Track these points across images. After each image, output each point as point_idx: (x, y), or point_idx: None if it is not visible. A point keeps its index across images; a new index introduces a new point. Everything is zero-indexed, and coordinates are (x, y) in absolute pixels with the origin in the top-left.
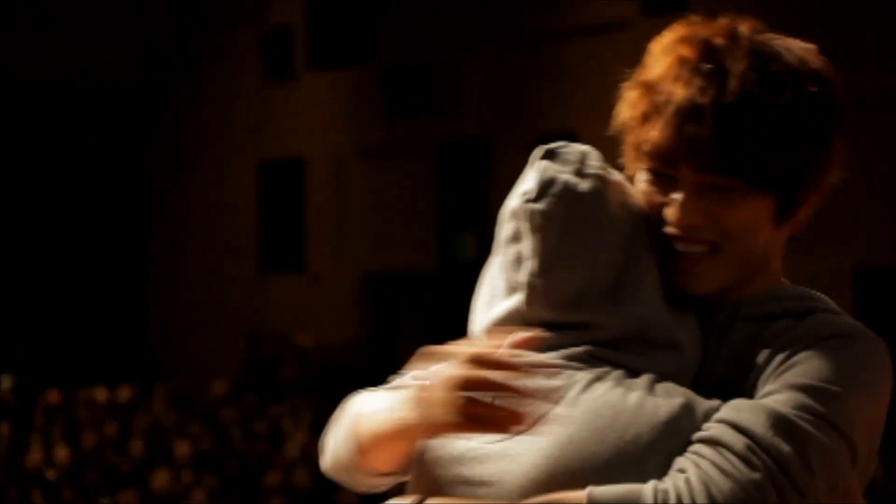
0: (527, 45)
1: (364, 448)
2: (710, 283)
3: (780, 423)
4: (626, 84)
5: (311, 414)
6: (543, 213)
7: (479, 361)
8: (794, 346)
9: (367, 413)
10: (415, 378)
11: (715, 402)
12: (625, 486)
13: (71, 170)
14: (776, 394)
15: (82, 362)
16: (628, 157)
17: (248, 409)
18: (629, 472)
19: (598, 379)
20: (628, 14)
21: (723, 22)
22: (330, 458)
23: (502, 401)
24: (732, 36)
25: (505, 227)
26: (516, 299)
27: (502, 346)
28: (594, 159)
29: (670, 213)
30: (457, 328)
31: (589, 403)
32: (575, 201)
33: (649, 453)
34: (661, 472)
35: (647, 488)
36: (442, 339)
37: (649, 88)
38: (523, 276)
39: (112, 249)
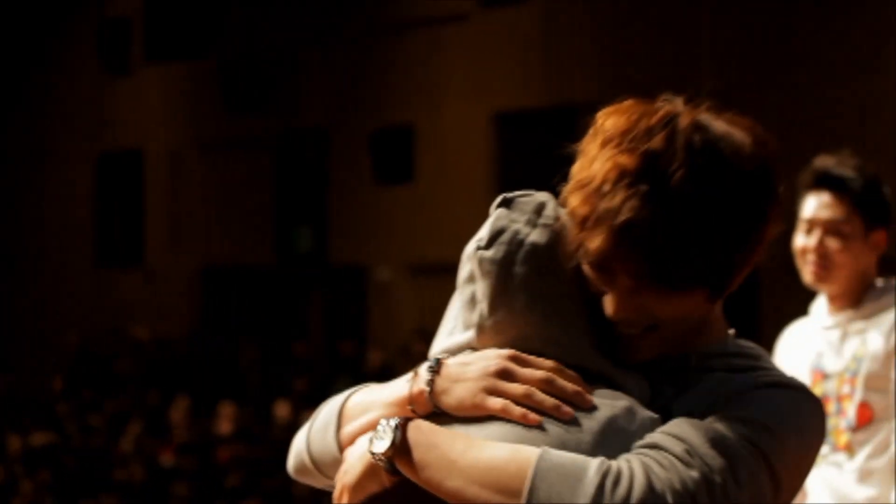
0: (365, 37)
1: (351, 431)
2: (647, 354)
3: (715, 438)
4: (567, 185)
5: (146, 408)
6: (491, 261)
7: (516, 359)
8: (733, 391)
9: (364, 396)
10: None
11: (655, 415)
12: (576, 455)
13: None
14: (716, 422)
15: None
16: (572, 246)
17: (84, 404)
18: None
19: None
20: (465, 7)
21: (661, 108)
22: (302, 454)
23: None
24: (670, 135)
25: (463, 267)
26: (469, 335)
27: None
28: (550, 210)
29: (606, 304)
30: (294, 320)
31: None
32: (522, 251)
33: (586, 440)
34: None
35: (595, 460)
36: (279, 332)
37: (590, 195)
38: (475, 316)
39: None
